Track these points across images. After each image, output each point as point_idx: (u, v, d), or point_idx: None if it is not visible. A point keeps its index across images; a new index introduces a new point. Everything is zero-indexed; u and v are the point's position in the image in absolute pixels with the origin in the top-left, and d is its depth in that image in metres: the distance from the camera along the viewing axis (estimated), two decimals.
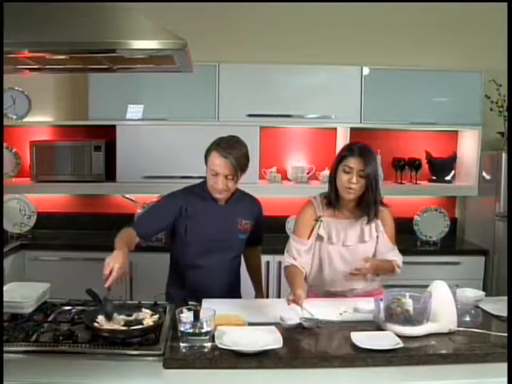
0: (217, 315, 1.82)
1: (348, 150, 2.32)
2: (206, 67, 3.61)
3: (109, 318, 1.90)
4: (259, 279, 2.76)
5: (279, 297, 3.08)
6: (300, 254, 2.35)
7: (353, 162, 2.26)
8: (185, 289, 2.46)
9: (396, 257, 2.41)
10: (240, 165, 2.36)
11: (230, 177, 2.35)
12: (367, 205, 2.32)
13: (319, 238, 2.37)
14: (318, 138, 4.06)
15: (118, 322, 1.90)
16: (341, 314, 1.95)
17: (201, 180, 2.50)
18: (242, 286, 2.67)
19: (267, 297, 3.01)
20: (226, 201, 2.47)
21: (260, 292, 2.74)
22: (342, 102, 3.77)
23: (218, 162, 2.33)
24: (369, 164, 2.26)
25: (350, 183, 2.26)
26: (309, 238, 2.38)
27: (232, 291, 2.54)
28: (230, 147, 2.35)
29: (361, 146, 2.32)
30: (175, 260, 2.56)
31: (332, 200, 2.36)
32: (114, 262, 2.01)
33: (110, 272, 1.98)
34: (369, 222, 2.35)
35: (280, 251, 2.84)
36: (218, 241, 2.45)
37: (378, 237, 2.40)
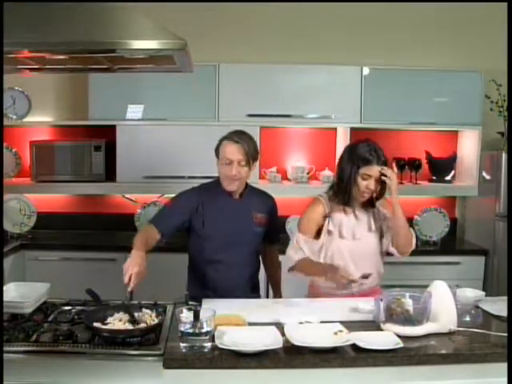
0: (217, 315, 1.82)
1: (367, 158, 2.32)
2: (206, 67, 3.60)
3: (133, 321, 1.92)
4: (277, 280, 2.74)
5: (280, 296, 3.07)
6: (311, 253, 2.39)
7: (372, 171, 2.32)
8: (205, 287, 2.47)
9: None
10: (251, 151, 2.40)
11: (242, 163, 2.37)
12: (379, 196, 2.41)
13: (329, 233, 2.41)
14: (318, 137, 4.06)
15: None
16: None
17: (211, 179, 2.53)
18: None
19: (267, 297, 3.00)
20: (240, 195, 2.50)
21: (278, 293, 2.72)
22: (342, 102, 3.77)
23: (230, 149, 2.37)
24: (382, 165, 2.34)
25: (368, 189, 2.34)
26: (318, 236, 2.42)
27: (253, 288, 2.57)
28: (240, 136, 2.41)
29: (377, 151, 2.34)
30: (193, 258, 2.57)
31: (345, 201, 2.40)
32: (132, 267, 2.04)
33: (130, 277, 2.02)
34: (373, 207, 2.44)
35: (280, 251, 2.83)
36: (234, 234, 2.47)
37: (381, 225, 2.45)
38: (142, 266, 2.08)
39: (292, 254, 2.41)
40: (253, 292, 2.56)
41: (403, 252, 2.46)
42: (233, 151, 2.37)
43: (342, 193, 2.40)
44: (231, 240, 2.46)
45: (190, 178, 3.55)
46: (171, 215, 2.47)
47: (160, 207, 3.74)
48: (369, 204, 2.45)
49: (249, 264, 2.55)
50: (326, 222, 2.41)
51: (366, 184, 2.33)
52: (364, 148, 2.35)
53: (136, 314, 1.96)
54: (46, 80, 3.80)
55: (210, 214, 2.46)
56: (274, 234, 2.68)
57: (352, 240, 2.40)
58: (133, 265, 2.06)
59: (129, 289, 2.02)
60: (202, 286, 2.48)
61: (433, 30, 3.95)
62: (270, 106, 3.73)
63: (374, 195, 2.41)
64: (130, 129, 3.73)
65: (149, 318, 1.95)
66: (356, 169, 2.33)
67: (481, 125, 3.81)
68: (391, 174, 2.33)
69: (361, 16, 3.92)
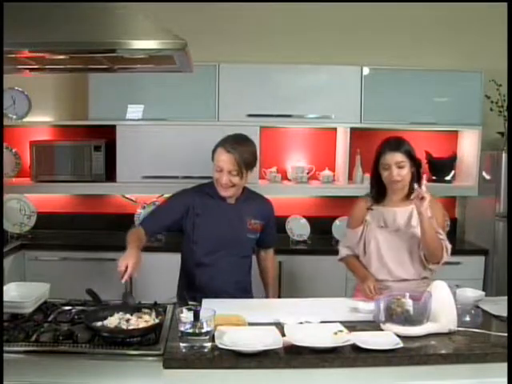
0: (217, 315, 1.82)
1: (381, 148, 2.43)
2: (205, 67, 3.60)
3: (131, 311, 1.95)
4: (267, 283, 2.71)
5: (279, 297, 3.07)
6: (354, 245, 2.53)
7: (388, 158, 2.37)
8: (194, 288, 2.46)
9: (445, 241, 2.38)
10: (245, 161, 2.37)
11: (234, 172, 2.36)
12: (413, 187, 2.39)
13: (367, 222, 2.48)
14: (318, 137, 4.06)
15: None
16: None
17: (209, 180, 2.51)
18: (254, 287, 2.66)
19: (267, 297, 3.00)
20: (235, 200, 2.48)
21: (268, 296, 2.70)
22: (342, 102, 3.77)
23: (223, 158, 2.36)
24: (404, 153, 2.36)
25: (392, 177, 2.37)
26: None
27: (242, 291, 2.53)
28: (236, 143, 2.39)
29: (391, 139, 2.44)
30: (184, 260, 2.57)
31: (377, 194, 2.49)
32: (128, 259, 2.06)
33: (126, 268, 2.03)
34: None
35: (280, 251, 2.84)
36: (225, 239, 2.45)
37: None
38: (138, 259, 2.10)
39: (340, 248, 2.60)
40: (240, 293, 2.50)
41: (429, 261, 2.37)
42: (224, 160, 2.36)
43: (374, 188, 2.49)
44: (221, 244, 2.45)
45: (189, 178, 3.54)
46: (159, 216, 2.49)
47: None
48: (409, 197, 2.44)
49: (238, 269, 2.52)
50: (368, 214, 2.49)
51: (388, 174, 2.38)
52: (382, 142, 2.46)
53: (136, 314, 1.96)
54: (46, 80, 3.80)
55: (200, 217, 2.44)
56: (270, 238, 2.66)
57: (390, 231, 2.43)
58: (128, 257, 2.07)
59: (123, 280, 2.02)
60: (190, 288, 2.48)
61: (433, 30, 3.95)
62: (270, 106, 3.72)
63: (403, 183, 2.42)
64: (130, 129, 3.72)
65: (149, 317, 1.95)
66: (377, 162, 2.43)
67: (481, 125, 3.81)
68: (425, 193, 2.25)
69: (361, 16, 3.92)
